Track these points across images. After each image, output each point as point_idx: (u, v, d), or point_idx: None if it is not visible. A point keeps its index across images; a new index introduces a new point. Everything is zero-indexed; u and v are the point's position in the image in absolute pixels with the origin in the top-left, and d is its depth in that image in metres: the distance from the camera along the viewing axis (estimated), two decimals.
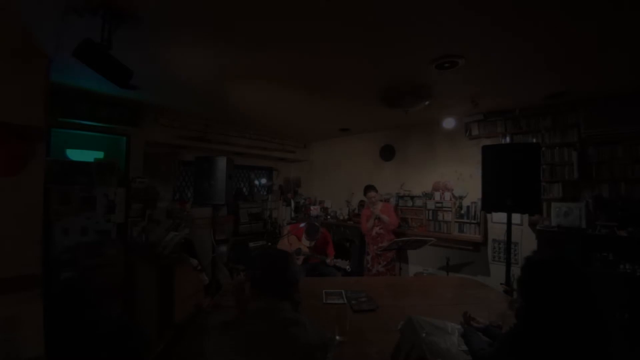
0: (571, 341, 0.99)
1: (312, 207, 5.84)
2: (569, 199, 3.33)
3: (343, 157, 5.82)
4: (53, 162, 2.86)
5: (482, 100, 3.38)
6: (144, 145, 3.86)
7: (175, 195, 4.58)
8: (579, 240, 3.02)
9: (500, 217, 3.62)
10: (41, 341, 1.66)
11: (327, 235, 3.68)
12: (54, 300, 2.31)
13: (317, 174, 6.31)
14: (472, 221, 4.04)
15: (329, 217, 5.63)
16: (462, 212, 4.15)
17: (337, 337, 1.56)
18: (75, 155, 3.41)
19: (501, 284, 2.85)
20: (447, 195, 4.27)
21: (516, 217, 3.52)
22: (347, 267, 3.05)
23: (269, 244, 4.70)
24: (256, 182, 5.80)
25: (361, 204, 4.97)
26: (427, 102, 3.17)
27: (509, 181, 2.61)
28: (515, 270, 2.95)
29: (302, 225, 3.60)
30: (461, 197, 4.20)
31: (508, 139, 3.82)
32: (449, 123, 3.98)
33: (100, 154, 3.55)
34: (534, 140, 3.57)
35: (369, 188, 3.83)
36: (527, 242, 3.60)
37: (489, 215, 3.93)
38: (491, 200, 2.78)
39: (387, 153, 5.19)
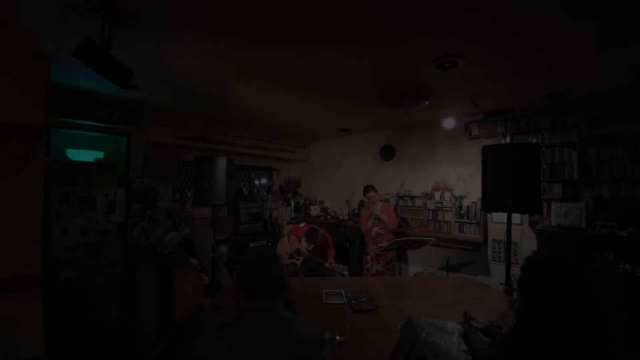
0: (571, 341, 0.99)
1: (312, 207, 5.84)
2: (569, 199, 3.33)
3: (343, 157, 5.82)
4: (53, 162, 2.86)
5: (482, 100, 3.38)
6: (144, 145, 3.86)
7: (175, 195, 4.58)
8: (579, 240, 3.02)
9: (500, 217, 3.62)
10: (41, 341, 1.66)
11: (328, 237, 3.67)
12: (54, 300, 2.31)
13: (317, 174, 6.31)
14: (472, 221, 4.04)
15: (329, 217, 5.62)
16: (462, 212, 4.15)
17: (337, 337, 1.56)
18: (75, 155, 3.41)
19: (501, 284, 2.85)
20: (447, 195, 4.27)
21: (516, 217, 3.52)
22: (345, 272, 3.05)
23: (269, 244, 4.70)
24: (256, 182, 5.80)
25: (361, 204, 4.97)
26: (427, 102, 3.17)
27: (509, 181, 2.61)
28: (515, 270, 2.95)
29: (302, 225, 3.60)
30: (461, 197, 4.20)
31: (508, 139, 3.82)
32: (449, 123, 3.98)
33: (100, 154, 3.55)
34: (534, 140, 3.57)
35: (368, 188, 3.83)
36: (527, 242, 3.60)
37: (489, 215, 3.93)
38: (491, 200, 2.78)
39: (387, 153, 5.19)
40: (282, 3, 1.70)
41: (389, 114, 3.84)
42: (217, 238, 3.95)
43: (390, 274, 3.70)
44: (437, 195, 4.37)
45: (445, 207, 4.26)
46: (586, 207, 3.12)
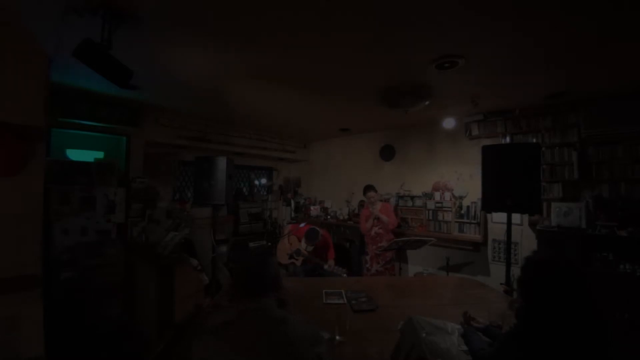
0: (571, 341, 0.99)
1: (312, 207, 5.84)
2: (569, 199, 3.33)
3: (343, 157, 5.82)
4: (53, 162, 2.86)
5: (482, 100, 3.38)
6: (144, 145, 3.86)
7: (175, 195, 4.58)
8: (579, 240, 3.02)
9: (500, 217, 3.62)
10: (41, 341, 1.67)
11: (328, 238, 3.66)
12: (54, 300, 2.31)
13: (317, 174, 6.31)
14: (472, 221, 4.04)
15: (329, 217, 5.63)
16: (462, 212, 4.15)
17: (337, 337, 1.56)
18: (75, 155, 3.41)
19: (501, 284, 2.85)
20: (447, 195, 4.27)
21: (516, 217, 3.53)
22: (344, 274, 3.05)
23: (269, 243, 4.70)
24: (256, 182, 5.80)
25: (361, 204, 4.97)
26: (427, 102, 3.16)
27: (509, 181, 2.61)
28: (515, 270, 2.96)
29: (302, 225, 3.59)
30: (461, 197, 4.20)
31: (508, 139, 3.82)
32: (449, 123, 3.98)
33: (100, 154, 3.56)
34: (534, 140, 3.57)
35: (368, 188, 3.83)
36: (527, 242, 3.60)
37: (489, 215, 3.93)
38: (491, 200, 2.78)
39: (387, 153, 5.19)
40: (282, 3, 1.70)
41: (389, 114, 3.84)
42: (217, 238, 3.95)
43: (390, 274, 3.69)
44: (437, 195, 4.37)
45: (445, 207, 4.26)
46: (586, 207, 3.12)
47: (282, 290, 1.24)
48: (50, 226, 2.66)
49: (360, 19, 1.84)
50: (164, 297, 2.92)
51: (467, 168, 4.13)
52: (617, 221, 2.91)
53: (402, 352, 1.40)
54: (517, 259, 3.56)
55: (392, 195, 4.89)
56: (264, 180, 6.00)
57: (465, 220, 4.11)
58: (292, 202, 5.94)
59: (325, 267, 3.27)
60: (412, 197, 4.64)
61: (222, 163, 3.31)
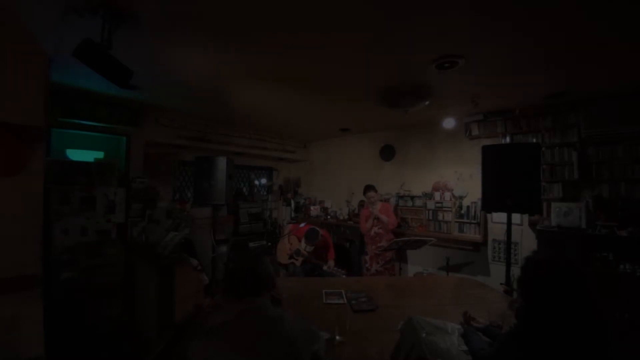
0: (571, 341, 0.99)
1: (312, 207, 5.84)
2: (569, 199, 3.33)
3: (343, 157, 5.82)
4: (53, 162, 2.86)
5: (482, 100, 3.38)
6: (144, 145, 3.86)
7: (175, 195, 4.58)
8: (579, 240, 3.02)
9: (500, 217, 3.62)
10: (41, 341, 1.67)
11: (328, 238, 3.66)
12: (54, 300, 2.31)
13: (317, 174, 6.31)
14: (472, 221, 4.04)
15: (329, 217, 5.63)
16: (462, 212, 4.15)
17: (337, 337, 1.56)
18: (75, 155, 3.41)
19: (501, 284, 2.86)
20: (447, 195, 4.27)
21: (516, 217, 3.52)
22: (343, 275, 3.05)
23: (269, 244, 4.70)
24: (256, 182, 5.81)
25: (361, 204, 4.97)
26: (427, 102, 3.16)
27: (509, 181, 2.61)
28: (515, 270, 2.95)
29: (302, 225, 3.59)
30: (461, 197, 4.20)
31: (508, 139, 3.82)
32: (449, 123, 3.97)
33: (100, 154, 3.55)
34: (534, 140, 3.57)
35: (368, 188, 3.83)
36: (527, 242, 3.60)
37: (489, 215, 3.93)
38: (491, 200, 2.78)
39: (387, 153, 5.19)
40: (282, 3, 1.70)
41: (389, 114, 3.84)
42: (217, 238, 3.95)
43: (390, 274, 3.69)
44: (437, 195, 4.37)
45: (445, 207, 4.25)
46: (586, 207, 3.12)
47: (276, 288, 1.25)
48: (50, 226, 2.66)
49: (360, 19, 1.84)
50: (164, 297, 2.92)
51: (467, 168, 4.13)
52: (617, 221, 2.91)
53: (402, 352, 1.40)
54: (517, 259, 3.55)
55: (392, 195, 4.89)
56: (264, 180, 6.00)
57: (465, 220, 4.11)
58: (292, 202, 5.94)
59: (325, 267, 3.27)
60: (412, 197, 4.64)
61: (222, 163, 3.31)
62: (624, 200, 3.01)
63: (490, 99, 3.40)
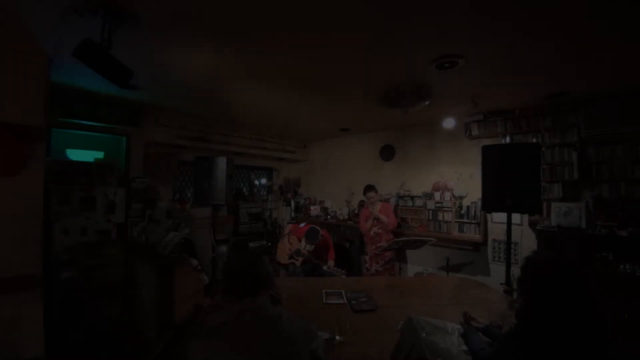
0: (571, 341, 0.99)
1: (312, 207, 5.84)
2: (569, 199, 3.33)
3: (343, 157, 5.82)
4: (53, 162, 2.86)
5: (482, 100, 3.38)
6: (144, 145, 3.86)
7: (175, 195, 4.58)
8: (579, 240, 3.02)
9: (500, 217, 3.61)
10: (41, 341, 1.67)
11: (328, 238, 3.66)
12: (54, 300, 2.31)
13: (317, 174, 6.31)
14: (472, 221, 4.04)
15: (329, 217, 5.62)
16: (462, 212, 4.15)
17: (337, 337, 1.56)
18: (75, 155, 3.41)
19: (501, 284, 2.85)
20: (447, 195, 4.27)
21: (516, 217, 3.52)
22: (343, 275, 3.05)
23: (269, 244, 4.70)
24: (256, 182, 5.81)
25: (361, 204, 4.97)
26: (427, 102, 3.16)
27: (509, 181, 2.61)
28: (515, 270, 2.95)
29: (302, 225, 3.59)
30: (461, 197, 4.20)
31: (508, 139, 3.82)
32: (449, 123, 3.97)
33: (100, 154, 3.55)
34: (534, 140, 3.57)
35: (368, 188, 3.83)
36: (527, 242, 3.60)
37: (489, 215, 3.93)
38: (491, 200, 2.78)
39: (387, 153, 5.19)
40: (282, 3, 1.70)
41: (389, 114, 3.84)
42: (217, 238, 3.95)
43: (390, 274, 3.69)
44: (437, 195, 4.36)
45: (445, 207, 4.25)
46: (586, 207, 3.12)
47: (274, 287, 1.25)
48: (50, 226, 2.66)
49: (360, 19, 1.84)
50: (164, 297, 2.92)
51: (467, 168, 4.13)
52: (617, 221, 2.91)
53: (402, 352, 1.40)
54: (517, 259, 3.55)
55: (392, 195, 4.89)
56: (264, 180, 6.00)
57: (465, 220, 4.11)
58: (292, 202, 5.94)
59: (325, 267, 3.27)
60: (412, 197, 4.64)
61: (222, 163, 3.31)
62: (624, 200, 3.01)
63: (490, 99, 3.40)
